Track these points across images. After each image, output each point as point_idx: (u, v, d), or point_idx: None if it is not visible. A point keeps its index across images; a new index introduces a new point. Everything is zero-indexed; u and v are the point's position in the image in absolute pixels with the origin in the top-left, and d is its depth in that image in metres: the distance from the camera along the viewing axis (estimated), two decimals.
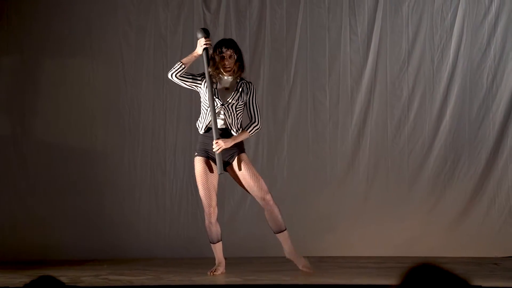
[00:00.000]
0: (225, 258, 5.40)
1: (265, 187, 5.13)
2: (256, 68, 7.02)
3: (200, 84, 5.18)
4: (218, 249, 5.26)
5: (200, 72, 5.33)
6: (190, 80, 5.21)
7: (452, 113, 6.81)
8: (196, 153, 5.22)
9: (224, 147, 5.04)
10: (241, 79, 5.22)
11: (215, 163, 5.12)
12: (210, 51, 5.21)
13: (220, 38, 5.49)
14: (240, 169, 5.12)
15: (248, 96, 5.16)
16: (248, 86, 5.20)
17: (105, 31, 7.04)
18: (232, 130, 5.10)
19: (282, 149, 6.97)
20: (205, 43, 5.14)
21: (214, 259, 5.39)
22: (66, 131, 7.01)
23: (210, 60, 5.15)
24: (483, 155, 6.75)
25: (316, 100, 6.94)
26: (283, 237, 5.17)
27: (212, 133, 5.08)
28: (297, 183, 6.80)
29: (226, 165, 5.16)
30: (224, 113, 5.09)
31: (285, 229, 5.16)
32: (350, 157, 6.87)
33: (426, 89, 6.87)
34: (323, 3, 6.98)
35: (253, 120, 5.19)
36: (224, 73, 5.12)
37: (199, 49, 5.18)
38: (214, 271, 5.21)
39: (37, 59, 7.03)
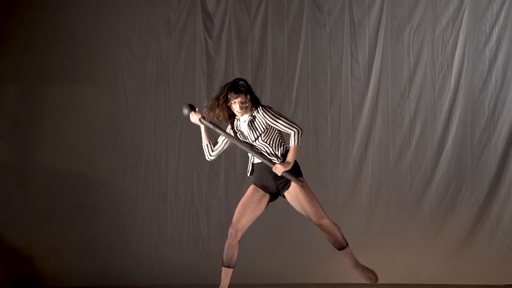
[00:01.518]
0: (229, 285, 5.36)
1: (320, 212, 5.03)
2: (258, 94, 6.97)
3: (225, 141, 5.11)
4: (225, 274, 5.19)
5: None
6: (220, 146, 5.16)
7: (454, 140, 6.82)
8: (253, 182, 5.10)
9: (283, 169, 4.95)
10: (256, 111, 4.99)
11: (268, 193, 5.08)
12: (198, 119, 5.02)
13: (227, 79, 5.29)
14: (296, 194, 5.07)
15: (266, 120, 5.05)
16: (258, 114, 5.00)
17: (107, 59, 7.08)
18: (276, 160, 5.00)
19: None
20: (196, 117, 5.01)
21: (215, 286, 5.35)
22: (68, 158, 7.02)
23: (219, 107, 4.97)
24: (485, 182, 6.74)
25: (318, 127, 6.95)
26: (345, 253, 5.12)
27: (258, 167, 5.03)
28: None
29: (283, 193, 5.10)
30: (260, 151, 5.00)
31: (347, 246, 5.11)
32: (352, 183, 6.87)
33: (427, 115, 6.87)
34: (325, 30, 7.01)
35: (293, 130, 5.06)
36: (240, 117, 5.02)
37: (198, 124, 5.06)
38: None
39: (39, 86, 7.06)
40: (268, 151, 4.99)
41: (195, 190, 7.03)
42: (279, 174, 4.94)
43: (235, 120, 5.02)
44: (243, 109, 4.94)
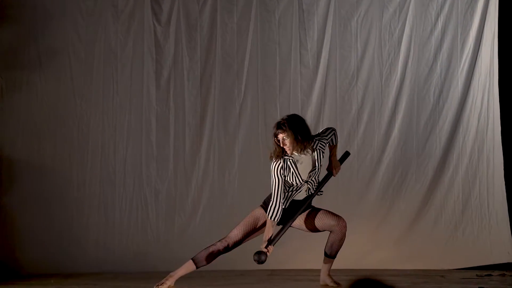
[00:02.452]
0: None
1: (335, 215, 5.11)
2: (207, 81, 7.03)
3: (286, 179, 5.02)
4: (186, 268, 5.17)
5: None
6: (283, 189, 5.04)
7: (400, 127, 6.92)
8: (262, 205, 5.12)
9: (339, 166, 5.24)
10: (313, 144, 5.04)
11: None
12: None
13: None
14: (314, 215, 5.09)
15: (324, 147, 5.08)
16: (321, 146, 5.05)
17: (54, 44, 6.96)
18: (318, 193, 5.16)
19: (234, 162, 6.98)
20: (270, 249, 4.97)
21: (164, 273, 5.33)
22: (13, 145, 6.89)
23: (273, 145, 4.98)
24: (430, 169, 6.87)
25: (267, 114, 6.97)
26: (329, 263, 5.19)
27: (292, 204, 5.03)
28: (248, 196, 6.80)
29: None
30: (309, 187, 5.06)
31: (335, 257, 5.17)
32: None
33: (375, 103, 6.96)
34: (274, 17, 7.03)
35: (332, 134, 5.22)
36: (290, 154, 4.97)
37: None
38: (161, 284, 5.14)
39: None
40: (314, 186, 5.10)
41: (144, 177, 6.99)
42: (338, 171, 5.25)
43: (290, 158, 4.97)
44: (286, 145, 4.92)
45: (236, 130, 7.00)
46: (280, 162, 4.95)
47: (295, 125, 4.95)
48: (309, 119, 6.96)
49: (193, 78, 7.03)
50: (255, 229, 5.11)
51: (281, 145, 4.95)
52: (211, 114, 7.02)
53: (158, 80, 7.03)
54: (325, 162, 5.21)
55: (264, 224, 5.07)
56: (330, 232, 5.13)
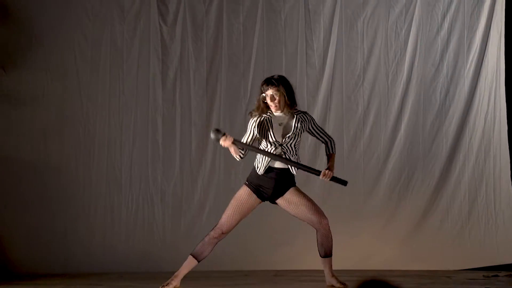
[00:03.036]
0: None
1: (321, 211, 5.10)
2: (213, 81, 7.03)
3: (257, 136, 5.06)
4: (189, 264, 5.17)
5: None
6: (253, 143, 5.09)
7: (407, 127, 6.90)
8: (246, 182, 5.13)
9: (332, 174, 5.12)
10: (297, 112, 5.11)
11: (260, 198, 5.08)
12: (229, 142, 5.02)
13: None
14: (293, 200, 5.07)
15: (309, 125, 5.11)
16: (304, 118, 5.10)
17: (60, 44, 6.98)
18: (292, 169, 5.07)
19: (239, 162, 6.95)
20: (228, 141, 4.99)
21: (170, 273, 5.33)
22: (19, 145, 6.91)
23: (259, 99, 5.05)
24: (437, 169, 6.85)
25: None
26: (327, 262, 5.16)
27: (271, 173, 5.02)
28: None
29: (277, 197, 5.10)
30: (284, 153, 5.02)
31: (331, 255, 5.14)
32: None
33: (381, 103, 6.95)
34: (280, 18, 7.02)
35: (328, 140, 5.22)
36: (274, 111, 5.04)
37: (229, 146, 5.04)
38: (166, 285, 5.15)
39: None
40: (291, 154, 5.00)
41: (150, 177, 6.99)
42: (329, 179, 5.07)
43: (268, 116, 5.02)
44: (274, 102, 4.97)
45: (242, 129, 6.97)
46: (259, 118, 5.04)
47: (286, 85, 5.06)
48: (315, 119, 6.93)
49: (199, 78, 7.03)
50: (244, 210, 5.10)
51: (270, 101, 5.00)
52: (217, 114, 7.03)
53: (164, 80, 7.04)
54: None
55: (251, 203, 5.07)
56: (316, 231, 5.12)
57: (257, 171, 5.06)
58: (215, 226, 5.12)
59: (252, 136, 5.08)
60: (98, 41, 7.00)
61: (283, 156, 5.01)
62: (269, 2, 7.02)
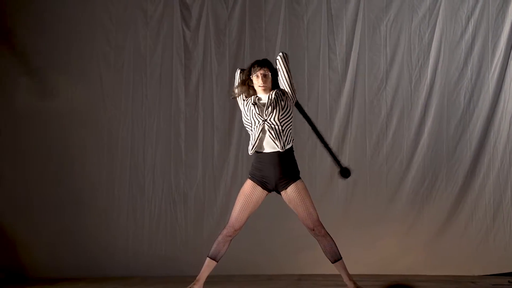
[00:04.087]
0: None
1: (315, 218, 5.04)
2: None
3: (246, 117, 5.10)
4: (208, 265, 5.17)
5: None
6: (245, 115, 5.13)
7: (430, 131, 6.86)
8: (249, 176, 5.12)
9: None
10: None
11: (266, 190, 5.07)
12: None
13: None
14: (293, 197, 5.06)
15: (285, 95, 5.07)
16: (278, 90, 5.08)
17: (84, 50, 7.03)
18: (276, 144, 5.00)
19: None
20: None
21: (192, 277, 5.33)
22: (44, 149, 6.96)
23: (243, 81, 5.12)
24: (461, 173, 6.80)
25: (296, 118, 6.93)
26: (340, 266, 5.11)
27: (264, 158, 5.01)
28: (275, 200, 6.76)
29: (281, 189, 5.07)
30: (269, 130, 5.01)
31: (341, 258, 5.10)
32: (329, 175, 6.89)
33: (404, 107, 6.92)
34: (302, 22, 7.02)
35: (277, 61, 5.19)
36: (261, 92, 5.06)
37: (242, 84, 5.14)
38: None
39: (12, 76, 6.98)
40: (276, 132, 4.98)
41: (173, 181, 7.01)
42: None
43: (254, 97, 5.08)
44: (265, 82, 5.01)
45: None
46: (246, 97, 5.11)
47: (274, 69, 5.10)
48: (338, 123, 6.95)
49: (221, 82, 7.05)
50: (251, 203, 5.08)
51: (261, 82, 5.02)
52: (240, 119, 7.01)
53: (187, 85, 7.06)
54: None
55: (257, 195, 5.05)
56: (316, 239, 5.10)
57: (249, 152, 5.07)
58: (226, 224, 5.11)
59: (242, 109, 5.13)
60: (121, 46, 7.04)
61: (273, 141, 4.99)
62: (291, 6, 7.03)
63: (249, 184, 5.09)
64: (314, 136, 6.95)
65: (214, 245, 5.11)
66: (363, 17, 6.96)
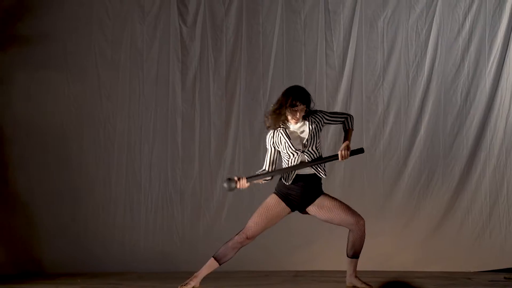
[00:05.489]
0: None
1: (357, 212, 5.05)
2: (233, 82, 7.03)
3: (278, 150, 5.03)
4: (210, 265, 5.15)
5: None
6: (275, 160, 5.06)
7: (427, 128, 6.87)
8: (275, 191, 5.09)
9: (348, 150, 5.01)
10: (308, 115, 5.01)
11: (289, 207, 5.03)
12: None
13: (291, 88, 5.03)
14: (325, 204, 5.03)
15: (323, 121, 5.03)
16: (315, 118, 5.01)
17: (80, 44, 7.02)
18: (320, 173, 5.03)
19: (259, 162, 6.94)
20: (243, 182, 4.96)
21: (188, 273, 5.33)
22: (40, 145, 6.95)
23: (277, 110, 4.93)
24: (457, 170, 6.81)
25: None
26: (354, 263, 5.11)
27: (297, 184, 4.98)
28: None
29: (308, 205, 5.05)
30: (307, 158, 4.97)
31: (358, 257, 5.10)
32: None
33: (401, 104, 6.92)
34: (299, 18, 7.02)
35: (345, 117, 5.11)
36: (292, 123, 4.97)
37: (246, 187, 5.02)
38: (185, 285, 5.13)
39: (9, 72, 6.97)
40: (316, 154, 4.99)
41: (169, 177, 7.01)
42: (347, 157, 4.98)
43: (281, 129, 4.96)
44: (296, 116, 4.92)
45: (261, 130, 6.98)
46: (272, 133, 4.99)
47: (310, 100, 5.00)
48: None
49: (218, 78, 7.04)
50: (271, 216, 5.07)
51: (294, 116, 4.91)
52: (237, 115, 7.03)
53: (184, 80, 7.06)
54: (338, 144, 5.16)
55: (278, 210, 5.03)
56: (349, 231, 5.07)
57: (285, 182, 5.02)
58: (241, 230, 5.08)
59: (275, 153, 5.03)
60: (118, 41, 7.03)
61: (306, 161, 4.97)
62: (288, 2, 7.02)
63: (273, 198, 5.05)
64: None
65: (222, 248, 5.08)
66: (361, 13, 6.95)
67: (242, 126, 7.01)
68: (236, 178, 4.97)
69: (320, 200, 5.01)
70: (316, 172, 5.01)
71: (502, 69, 6.77)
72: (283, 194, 5.02)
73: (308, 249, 6.70)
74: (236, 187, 4.97)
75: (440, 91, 6.88)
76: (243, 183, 4.98)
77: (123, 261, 6.84)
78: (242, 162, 6.98)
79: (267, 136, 5.04)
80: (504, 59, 6.76)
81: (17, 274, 6.54)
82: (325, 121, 5.07)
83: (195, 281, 5.14)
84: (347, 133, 5.11)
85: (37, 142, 6.95)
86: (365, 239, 5.08)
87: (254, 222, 5.04)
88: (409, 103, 6.91)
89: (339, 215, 5.00)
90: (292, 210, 5.07)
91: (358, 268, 5.22)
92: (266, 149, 5.11)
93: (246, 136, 6.99)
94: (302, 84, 6.94)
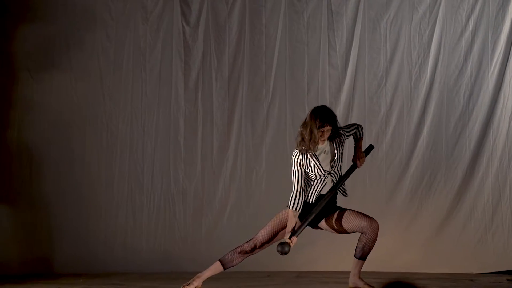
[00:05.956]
0: None
1: (365, 215, 5.03)
2: (235, 82, 7.03)
3: (307, 172, 4.94)
4: (214, 269, 5.14)
5: None
6: (304, 181, 4.98)
7: (429, 129, 6.87)
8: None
9: (364, 155, 5.05)
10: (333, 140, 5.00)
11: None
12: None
13: (318, 109, 4.93)
14: (339, 214, 5.01)
15: (343, 138, 5.02)
16: (339, 137, 4.98)
17: (84, 45, 7.03)
18: (344, 193, 5.05)
19: (261, 163, 6.98)
20: (294, 240, 4.85)
21: (191, 273, 5.32)
22: (42, 144, 6.96)
23: (310, 131, 4.84)
24: (460, 171, 6.80)
25: (295, 115, 6.95)
26: (360, 264, 5.10)
27: (319, 198, 4.94)
28: (275, 197, 6.78)
29: (320, 220, 5.02)
30: (332, 178, 4.97)
31: (366, 259, 5.10)
32: None
33: (403, 105, 6.92)
34: (302, 19, 7.02)
35: (356, 127, 5.12)
36: (320, 143, 4.91)
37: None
38: (187, 285, 5.13)
39: (12, 72, 6.98)
40: (339, 174, 4.99)
41: (171, 178, 7.01)
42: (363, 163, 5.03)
43: (310, 151, 4.89)
44: (323, 137, 4.88)
45: (263, 131, 7.00)
46: (300, 155, 4.90)
47: (336, 121, 4.95)
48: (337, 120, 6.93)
49: (221, 79, 7.04)
50: (282, 230, 5.07)
51: (322, 136, 4.87)
52: (239, 115, 7.03)
53: (187, 81, 7.06)
54: (350, 154, 5.16)
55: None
56: (362, 233, 5.07)
57: (308, 201, 4.97)
58: (251, 239, 5.08)
59: (300, 173, 4.92)
60: (121, 41, 7.04)
61: (332, 184, 4.95)
62: (291, 3, 7.02)
63: (288, 212, 5.03)
64: None
65: (230, 254, 5.05)
66: (363, 14, 6.95)
67: (245, 127, 7.01)
68: (288, 241, 4.85)
69: (332, 214, 5.03)
70: (340, 193, 5.03)
71: (505, 70, 6.77)
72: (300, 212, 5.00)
73: (311, 249, 6.70)
74: (290, 249, 4.86)
75: (443, 92, 6.87)
76: (294, 241, 4.89)
77: (125, 262, 6.84)
78: (244, 162, 6.98)
79: (294, 158, 4.89)
80: (507, 61, 6.76)
81: (20, 274, 6.54)
82: (346, 137, 5.08)
83: (197, 281, 5.14)
84: (359, 141, 5.15)
85: (39, 142, 6.95)
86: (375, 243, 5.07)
87: (264, 231, 5.04)
88: (411, 104, 6.90)
89: (353, 221, 5.00)
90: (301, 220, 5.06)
91: (362, 269, 5.22)
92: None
93: (248, 136, 6.99)
94: (305, 85, 6.99)
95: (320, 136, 4.86)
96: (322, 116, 4.89)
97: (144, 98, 7.06)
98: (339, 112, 6.93)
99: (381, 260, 6.60)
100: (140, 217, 6.97)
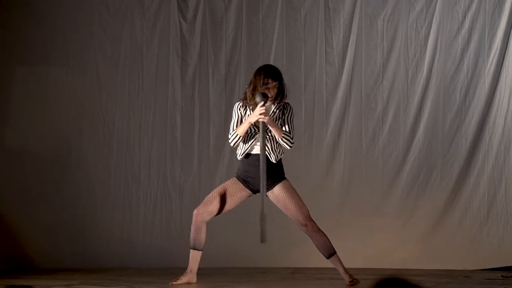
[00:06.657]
0: (199, 269, 5.36)
1: (306, 214, 5.06)
2: (232, 78, 7.04)
3: (240, 112, 5.10)
4: (193, 257, 5.19)
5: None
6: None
7: (426, 126, 6.88)
8: (236, 175, 5.18)
9: (267, 115, 4.93)
10: (280, 101, 5.09)
11: (248, 188, 5.10)
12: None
13: (264, 64, 5.22)
14: (281, 196, 5.07)
15: (284, 116, 5.05)
16: (284, 107, 5.08)
17: (81, 40, 7.02)
18: (271, 156, 5.03)
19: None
20: (260, 113, 4.86)
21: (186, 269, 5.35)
22: (39, 140, 6.96)
23: (252, 85, 5.01)
24: (456, 168, 6.82)
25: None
26: (334, 260, 5.14)
27: (252, 160, 5.03)
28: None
29: (266, 190, 5.06)
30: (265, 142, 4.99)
31: (335, 253, 5.12)
32: (325, 168, 6.91)
33: (400, 102, 6.93)
34: (299, 15, 7.02)
35: (286, 133, 5.07)
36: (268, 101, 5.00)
37: (254, 118, 4.94)
38: (174, 281, 5.16)
39: (9, 67, 6.98)
40: (270, 144, 4.99)
41: (168, 173, 7.02)
42: (265, 118, 4.89)
43: (250, 106, 5.01)
44: (274, 94, 4.99)
45: None
46: (241, 103, 5.08)
47: (282, 76, 5.06)
48: (334, 117, 6.96)
49: (218, 75, 7.05)
50: (226, 191, 5.14)
51: (268, 91, 4.96)
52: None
53: (183, 76, 7.06)
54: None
55: (236, 188, 5.12)
56: (310, 237, 5.12)
57: (238, 157, 5.10)
58: (198, 212, 5.18)
59: (238, 117, 5.09)
60: (118, 37, 7.04)
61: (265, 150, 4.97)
62: None
63: (232, 179, 5.16)
64: (310, 128, 6.98)
65: (192, 235, 5.17)
66: (360, 11, 6.95)
67: None
68: (264, 100, 4.92)
69: (278, 190, 5.07)
70: (268, 155, 5.01)
71: (501, 67, 6.78)
72: (242, 177, 5.11)
73: (306, 246, 6.69)
74: (261, 103, 4.90)
75: (439, 89, 6.88)
76: (259, 111, 4.91)
77: (121, 257, 6.85)
78: None
79: (235, 106, 5.13)
80: (503, 58, 6.76)
81: (14, 269, 6.54)
82: (285, 118, 5.06)
83: (189, 276, 5.17)
84: (279, 127, 5.02)
85: (35, 137, 6.96)
86: (327, 236, 5.10)
87: (208, 199, 5.16)
88: (408, 101, 6.91)
89: (291, 211, 5.05)
90: (253, 193, 5.14)
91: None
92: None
93: None
94: (302, 82, 6.99)
95: (268, 92, 4.95)
96: (266, 71, 5.01)
97: (140, 94, 7.06)
98: (335, 109, 6.94)
99: (377, 257, 6.63)
100: (137, 213, 6.98)
